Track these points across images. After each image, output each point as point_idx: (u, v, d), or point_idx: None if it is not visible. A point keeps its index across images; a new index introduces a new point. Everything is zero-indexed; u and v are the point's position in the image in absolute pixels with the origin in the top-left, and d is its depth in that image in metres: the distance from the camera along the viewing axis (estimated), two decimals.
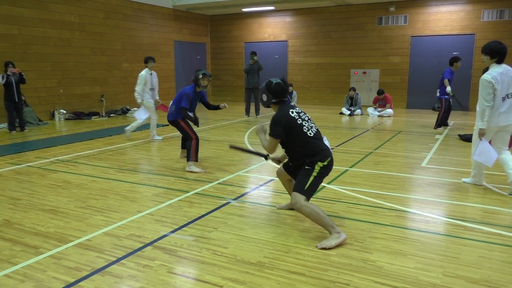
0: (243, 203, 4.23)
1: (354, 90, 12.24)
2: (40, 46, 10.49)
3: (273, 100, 3.49)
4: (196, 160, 5.64)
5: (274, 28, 15.40)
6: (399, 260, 2.95)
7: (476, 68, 12.44)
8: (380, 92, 11.93)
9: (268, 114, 12.24)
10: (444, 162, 6.08)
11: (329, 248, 3.10)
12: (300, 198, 3.26)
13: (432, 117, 11.16)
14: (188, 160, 5.56)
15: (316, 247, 3.15)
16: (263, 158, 3.82)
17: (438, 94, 9.32)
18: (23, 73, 9.01)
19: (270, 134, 3.45)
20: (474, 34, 12.45)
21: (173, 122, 5.74)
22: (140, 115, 7.77)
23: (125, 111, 12.45)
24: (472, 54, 12.50)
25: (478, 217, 3.82)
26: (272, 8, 14.55)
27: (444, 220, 3.75)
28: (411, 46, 13.31)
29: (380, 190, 4.66)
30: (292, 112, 3.41)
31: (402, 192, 4.61)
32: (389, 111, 11.74)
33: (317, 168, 3.33)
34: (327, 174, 3.44)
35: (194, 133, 5.68)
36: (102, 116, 11.82)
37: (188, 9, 15.03)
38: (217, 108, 5.95)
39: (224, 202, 4.25)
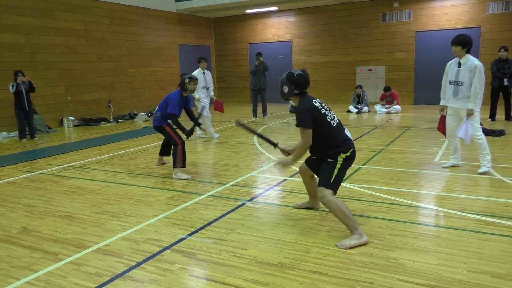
0: (259, 204, 4.22)
1: (361, 87, 12.20)
2: (47, 54, 10.56)
3: (296, 92, 3.44)
4: (184, 166, 5.41)
5: (278, 29, 15.39)
6: (421, 257, 2.92)
7: (483, 61, 12.32)
8: (386, 89, 11.88)
9: (275, 114, 12.23)
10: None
11: (348, 248, 3.08)
12: (327, 192, 3.24)
13: None
14: (174, 167, 5.34)
15: (336, 246, 3.13)
16: (272, 146, 3.85)
17: None
18: (32, 82, 9.06)
19: (299, 124, 3.33)
20: (480, 27, 12.36)
21: (158, 128, 5.54)
22: (201, 110, 7.97)
23: (132, 116, 12.49)
24: (479, 47, 12.41)
25: (497, 211, 3.77)
26: (275, 8, 14.55)
27: (463, 215, 3.71)
28: (416, 41, 13.24)
29: (395, 187, 4.63)
30: (316, 102, 3.41)
31: (418, 188, 4.57)
32: (397, 107, 11.68)
33: (340, 159, 3.32)
34: (350, 166, 3.43)
35: (180, 138, 5.46)
36: (110, 121, 11.87)
37: (191, 13, 15.07)
38: (196, 123, 5.67)
39: (239, 203, 4.24)
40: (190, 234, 3.47)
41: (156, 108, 5.64)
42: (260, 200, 4.37)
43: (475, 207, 3.90)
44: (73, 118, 11.10)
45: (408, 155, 6.25)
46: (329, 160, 3.34)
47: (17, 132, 9.31)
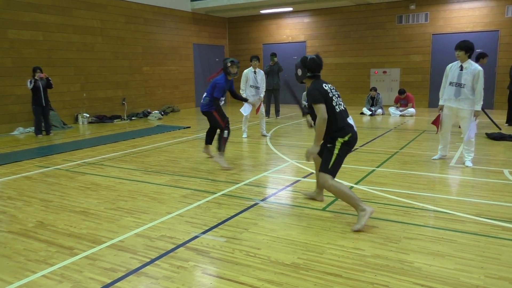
0: (272, 204, 4.21)
1: (375, 90, 12.10)
2: (64, 51, 10.70)
3: (308, 74, 3.64)
4: (223, 150, 5.74)
5: (292, 29, 15.36)
6: (438, 261, 2.88)
7: (500, 65, 12.16)
8: (401, 92, 11.77)
9: (288, 115, 12.20)
10: (473, 161, 5.92)
11: (362, 229, 3.36)
12: (327, 177, 3.48)
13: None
14: (219, 150, 5.66)
15: (351, 229, 3.39)
16: (301, 113, 4.00)
17: None
18: (50, 78, 9.19)
19: (312, 102, 3.50)
20: (498, 30, 12.17)
21: (206, 113, 5.80)
22: (244, 110, 7.97)
23: (146, 114, 12.58)
24: (496, 51, 12.23)
25: None
26: (290, 9, 14.52)
27: (480, 220, 3.65)
28: (433, 44, 13.10)
29: (409, 190, 4.58)
30: (326, 86, 3.60)
31: (433, 192, 4.51)
32: (411, 110, 11.56)
33: (338, 144, 3.50)
34: (349, 151, 3.60)
35: (227, 124, 5.75)
36: (124, 119, 11.97)
37: (206, 12, 15.12)
38: (244, 100, 6.23)
39: (252, 203, 4.24)
40: (204, 232, 3.48)
41: (204, 94, 5.86)
42: (273, 200, 4.36)
43: (492, 212, 3.84)
44: (88, 115, 11.23)
45: (423, 158, 6.18)
46: (328, 145, 3.54)
47: (33, 128, 9.44)
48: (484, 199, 4.24)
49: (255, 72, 8.27)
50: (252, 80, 8.23)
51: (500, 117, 10.39)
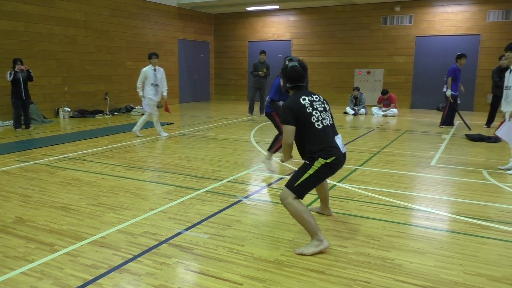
0: (255, 201, 4.21)
1: (358, 89, 12.22)
2: (45, 43, 10.47)
3: (288, 85, 3.23)
4: (274, 153, 5.55)
5: (278, 27, 15.38)
6: (418, 258, 2.93)
7: (481, 69, 12.42)
8: (384, 92, 11.91)
9: None
10: (453, 161, 6.05)
11: (305, 255, 2.95)
12: (288, 194, 3.01)
13: (437, 117, 11.15)
14: (269, 150, 5.52)
15: (294, 251, 3.01)
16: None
17: (444, 90, 9.31)
18: (30, 70, 8.98)
19: (281, 121, 3.17)
20: (479, 34, 12.43)
21: (267, 114, 5.65)
22: (145, 107, 7.99)
23: (129, 109, 12.43)
24: (477, 54, 12.48)
25: (493, 215, 3.80)
26: (276, 7, 14.53)
27: (459, 218, 3.72)
28: (416, 46, 13.29)
29: (391, 188, 4.64)
30: (304, 99, 3.09)
31: (414, 191, 4.59)
32: (394, 110, 11.72)
33: (316, 164, 2.99)
34: (328, 175, 3.10)
35: None
36: (106, 114, 11.80)
37: (192, 8, 15.01)
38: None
39: (236, 200, 4.23)
40: (187, 229, 3.46)
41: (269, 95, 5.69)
42: (257, 197, 4.36)
43: (471, 211, 3.92)
44: (69, 109, 11.02)
45: (405, 157, 6.28)
46: (305, 162, 3.07)
47: (11, 121, 9.23)
48: (464, 198, 4.33)
49: (155, 69, 7.86)
50: (152, 78, 7.84)
51: (481, 119, 10.64)
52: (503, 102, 5.42)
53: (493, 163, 5.90)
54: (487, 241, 3.23)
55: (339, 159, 3.06)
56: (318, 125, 3.05)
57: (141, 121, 8.06)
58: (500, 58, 9.13)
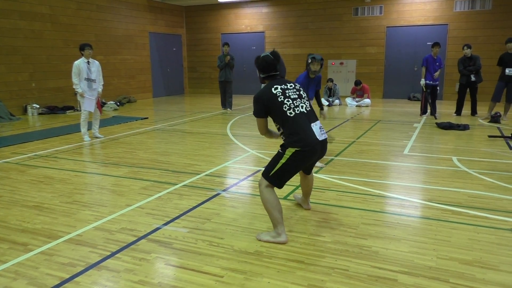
0: (233, 194, 4.22)
1: (332, 81, 12.36)
2: (9, 39, 10.08)
3: (261, 75, 3.22)
4: None
5: (251, 19, 15.32)
6: (394, 245, 3.01)
7: (449, 58, 12.75)
8: (357, 83, 12.08)
9: (242, 107, 12.21)
10: (425, 149, 6.22)
11: (260, 241, 3.08)
12: (262, 182, 3.08)
13: (408, 106, 11.42)
14: None
15: (256, 237, 3.13)
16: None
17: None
18: None
19: (253, 113, 3.19)
20: (447, 24, 12.74)
21: None
22: (87, 105, 7.14)
23: (101, 105, 12.13)
24: (446, 44, 12.80)
25: (463, 201, 3.93)
26: None
27: (432, 205, 3.84)
28: (387, 36, 13.51)
29: (367, 178, 4.74)
30: (276, 88, 3.07)
31: (388, 179, 4.70)
32: (367, 101, 11.92)
33: (287, 153, 2.97)
34: (304, 162, 3.04)
35: None
36: (77, 110, 11.49)
37: (163, 0, 14.75)
38: (320, 108, 5.76)
39: (214, 193, 4.23)
40: (165, 224, 3.43)
41: None
42: (235, 190, 4.37)
43: (442, 197, 4.05)
44: (38, 106, 10.68)
45: (379, 147, 6.41)
46: (278, 151, 3.08)
47: None
48: (435, 185, 4.46)
49: (88, 62, 7.08)
50: (86, 72, 7.02)
51: (450, 108, 10.95)
52: None
53: (462, 150, 6.10)
54: (459, 226, 3.35)
55: (313, 147, 2.99)
56: (290, 113, 3.02)
57: (82, 124, 7.17)
58: (463, 48, 9.34)
